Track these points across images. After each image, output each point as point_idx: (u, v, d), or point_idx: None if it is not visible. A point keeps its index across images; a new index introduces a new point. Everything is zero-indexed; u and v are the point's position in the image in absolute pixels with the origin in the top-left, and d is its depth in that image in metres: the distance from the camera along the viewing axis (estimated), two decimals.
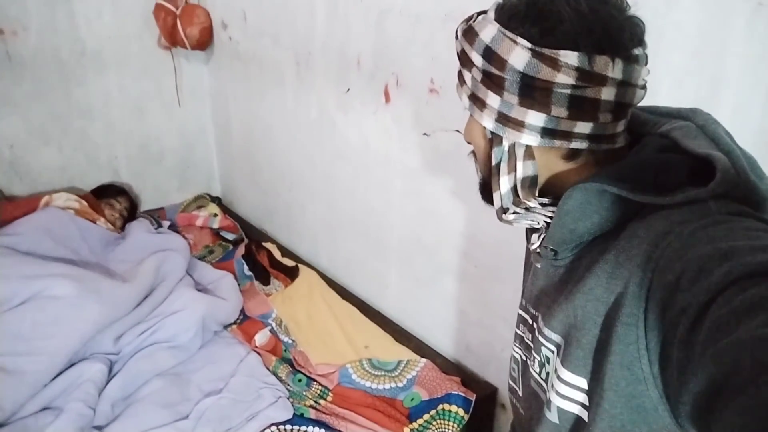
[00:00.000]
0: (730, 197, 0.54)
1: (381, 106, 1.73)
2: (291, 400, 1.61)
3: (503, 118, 0.62)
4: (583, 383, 0.62)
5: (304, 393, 1.65)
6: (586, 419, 0.62)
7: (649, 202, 0.56)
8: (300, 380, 1.71)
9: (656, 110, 0.68)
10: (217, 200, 2.93)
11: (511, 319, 1.51)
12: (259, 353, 1.81)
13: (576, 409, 0.64)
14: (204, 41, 2.52)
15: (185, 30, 2.44)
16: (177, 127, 2.77)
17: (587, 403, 0.62)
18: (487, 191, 0.70)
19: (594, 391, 0.60)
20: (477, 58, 0.62)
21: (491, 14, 0.63)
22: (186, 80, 2.72)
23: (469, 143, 0.73)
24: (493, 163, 0.66)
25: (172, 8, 2.43)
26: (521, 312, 0.80)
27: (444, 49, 1.47)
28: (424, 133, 1.60)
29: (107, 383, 1.61)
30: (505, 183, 0.66)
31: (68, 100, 2.43)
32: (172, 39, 2.49)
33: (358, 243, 2.02)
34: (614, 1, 0.59)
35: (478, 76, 0.63)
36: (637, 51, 0.59)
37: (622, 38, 0.58)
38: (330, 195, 2.11)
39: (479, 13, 0.65)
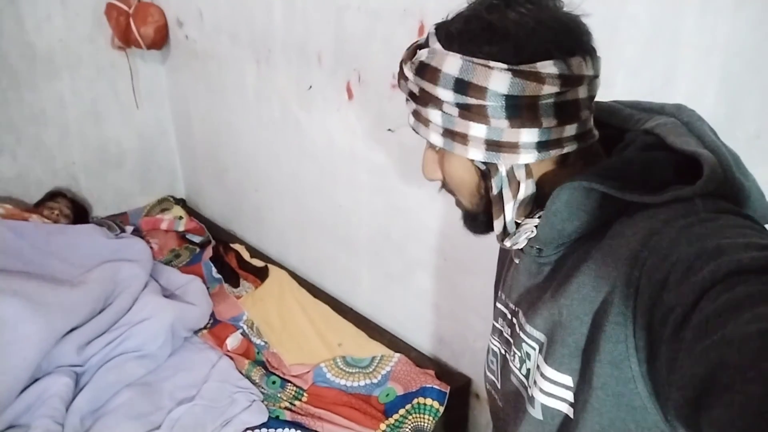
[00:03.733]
0: (716, 195, 0.54)
1: (344, 103, 1.71)
2: (265, 402, 1.60)
3: (495, 145, 0.60)
4: (569, 381, 0.62)
5: (279, 395, 1.65)
6: (572, 416, 0.62)
7: (636, 200, 0.55)
8: (274, 382, 1.69)
9: (639, 105, 0.68)
10: (181, 202, 2.87)
11: (483, 311, 1.53)
12: (231, 357, 1.79)
13: (562, 407, 0.64)
14: (159, 40, 2.46)
15: (139, 29, 2.38)
16: (136, 129, 2.71)
17: (573, 401, 0.62)
18: (479, 222, 0.69)
19: (581, 389, 0.60)
20: (446, 94, 0.59)
21: (437, 45, 0.60)
22: (143, 81, 2.65)
23: (432, 180, 0.70)
24: (494, 192, 0.64)
25: (125, 7, 2.36)
26: (500, 305, 0.79)
27: (405, 44, 1.45)
28: (389, 129, 1.60)
29: (75, 397, 1.57)
30: (510, 209, 0.64)
31: (20, 106, 2.35)
32: (126, 39, 2.42)
33: (327, 241, 2.01)
34: (556, 2, 0.59)
35: (453, 111, 0.60)
36: (592, 43, 0.60)
37: (583, 35, 0.59)
38: (297, 193, 2.09)
39: (417, 47, 0.62)
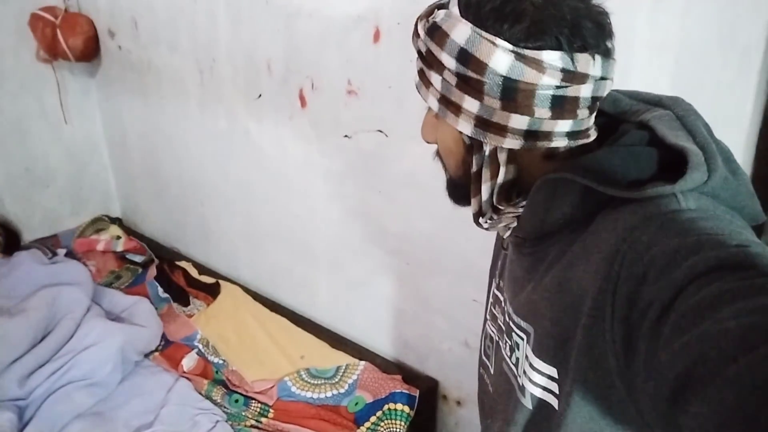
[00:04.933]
0: (699, 191, 0.54)
1: (297, 111, 1.69)
2: (230, 422, 1.55)
3: (483, 123, 0.59)
4: (554, 372, 0.62)
5: (243, 413, 1.59)
6: (557, 408, 0.62)
7: (617, 195, 0.55)
8: (237, 400, 1.63)
9: (638, 96, 0.68)
10: (117, 221, 2.73)
11: (447, 311, 1.54)
12: (188, 378, 1.71)
13: (548, 398, 0.64)
14: (89, 52, 2.35)
15: (67, 41, 2.26)
16: (65, 146, 2.56)
17: (558, 392, 0.62)
18: (457, 192, 0.69)
19: (564, 381, 0.60)
20: (449, 61, 0.58)
21: (455, 10, 0.59)
22: (72, 95, 2.51)
23: (428, 142, 0.71)
24: (474, 169, 0.64)
25: (51, 18, 2.24)
26: (495, 291, 0.79)
27: (360, 49, 1.46)
28: (345, 135, 1.59)
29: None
30: (486, 189, 0.64)
31: None
32: (52, 51, 2.29)
33: (282, 252, 1.97)
34: None
35: (452, 80, 0.59)
36: (609, 44, 0.59)
37: (601, 34, 0.58)
38: (248, 206, 2.04)
39: (438, 6, 0.62)
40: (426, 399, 1.61)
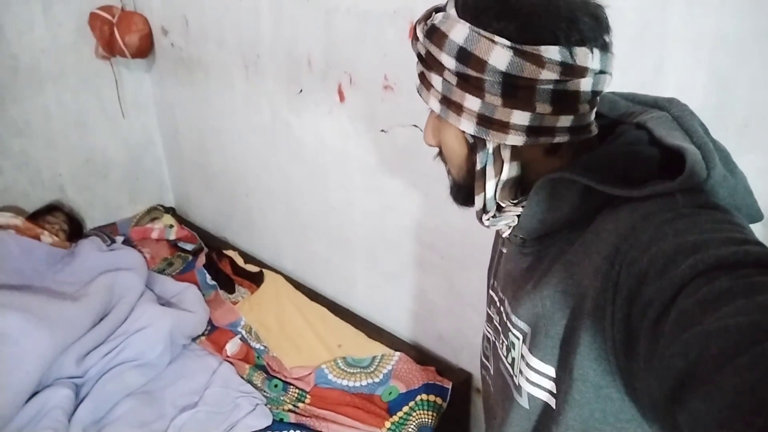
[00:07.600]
0: (698, 190, 0.54)
1: (336, 106, 1.73)
2: (269, 406, 1.61)
3: (486, 121, 0.60)
4: (552, 371, 0.62)
5: (282, 398, 1.65)
6: (554, 407, 0.63)
7: (617, 194, 0.56)
8: (276, 385, 1.70)
9: (634, 98, 0.68)
10: (171, 211, 2.86)
11: (480, 306, 1.54)
12: (231, 362, 1.79)
13: (545, 397, 0.64)
14: (144, 49, 2.45)
15: (124, 38, 2.37)
16: (122, 138, 2.69)
17: (555, 392, 0.63)
18: (461, 194, 0.69)
19: (562, 380, 0.60)
20: (449, 61, 0.59)
21: (452, 11, 0.59)
22: (128, 90, 2.64)
23: (430, 145, 0.71)
24: (478, 167, 0.64)
25: (108, 17, 2.35)
26: (491, 292, 0.80)
27: (395, 45, 1.48)
28: (382, 130, 1.61)
29: (76, 408, 1.56)
30: (491, 187, 0.64)
31: (4, 119, 2.32)
32: (110, 48, 2.41)
33: (321, 243, 2.02)
34: None
35: (452, 80, 0.60)
36: (607, 38, 0.59)
37: (599, 27, 0.58)
38: (289, 197, 2.10)
39: (435, 10, 0.62)
40: (459, 391, 1.63)
